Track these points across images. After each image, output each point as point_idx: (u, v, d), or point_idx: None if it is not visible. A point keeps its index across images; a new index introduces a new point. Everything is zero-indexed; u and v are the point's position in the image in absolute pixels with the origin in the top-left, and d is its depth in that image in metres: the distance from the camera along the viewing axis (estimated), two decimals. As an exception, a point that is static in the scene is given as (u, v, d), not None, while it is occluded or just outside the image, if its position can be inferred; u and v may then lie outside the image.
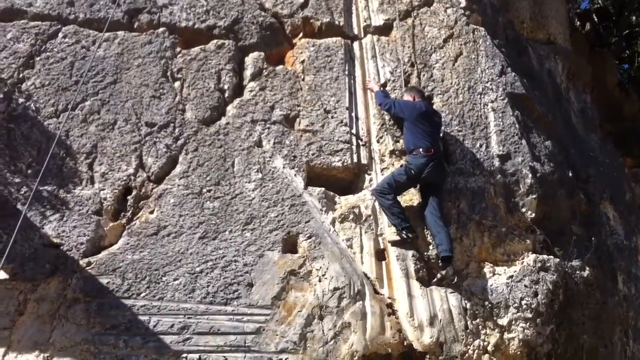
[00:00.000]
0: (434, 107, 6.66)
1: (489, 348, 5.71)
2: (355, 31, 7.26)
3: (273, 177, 6.08)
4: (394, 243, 5.92)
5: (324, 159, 6.31)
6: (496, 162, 6.55)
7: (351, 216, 6.03)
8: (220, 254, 5.63)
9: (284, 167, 6.16)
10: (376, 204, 6.11)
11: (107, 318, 5.21)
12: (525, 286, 5.97)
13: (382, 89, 6.69)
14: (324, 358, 5.32)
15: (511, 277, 6.02)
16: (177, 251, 5.60)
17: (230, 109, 6.43)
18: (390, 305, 5.70)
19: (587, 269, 6.58)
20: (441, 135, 6.38)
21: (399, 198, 6.04)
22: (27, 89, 6.09)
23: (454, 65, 7.07)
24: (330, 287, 5.59)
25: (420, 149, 6.01)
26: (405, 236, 5.85)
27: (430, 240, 6.01)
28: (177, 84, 6.42)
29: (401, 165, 6.16)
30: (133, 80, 6.33)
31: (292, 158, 6.23)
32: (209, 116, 6.33)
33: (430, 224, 5.93)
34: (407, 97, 6.47)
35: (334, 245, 5.82)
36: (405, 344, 5.55)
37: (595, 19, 11.58)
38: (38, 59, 6.27)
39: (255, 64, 6.73)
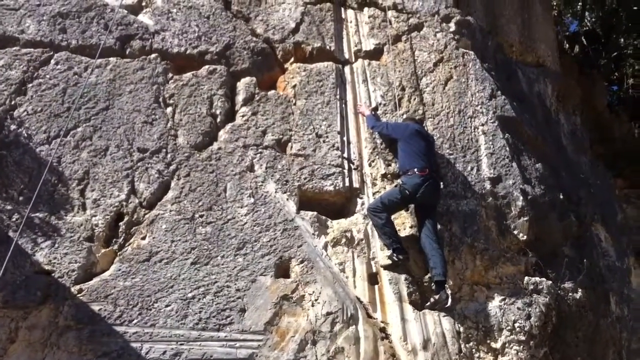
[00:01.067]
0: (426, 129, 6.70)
1: (483, 372, 5.71)
2: (347, 55, 7.32)
3: (265, 202, 6.09)
4: (386, 267, 5.92)
5: (316, 183, 6.32)
6: (487, 185, 6.59)
7: (343, 240, 6.04)
8: (213, 280, 5.61)
9: (276, 192, 6.16)
10: (368, 227, 6.13)
11: (99, 345, 5.17)
12: (518, 309, 5.98)
13: (373, 112, 6.73)
14: (317, 384, 5.30)
15: (504, 300, 6.03)
16: (169, 277, 5.58)
17: (222, 134, 6.44)
18: (383, 330, 5.69)
19: (580, 290, 6.60)
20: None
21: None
22: (19, 115, 6.09)
23: (444, 88, 7.12)
24: (323, 311, 5.57)
25: (415, 169, 6.02)
26: (395, 258, 5.85)
27: (423, 264, 6.02)
28: (169, 110, 6.44)
29: (396, 185, 6.17)
30: (125, 106, 6.35)
31: (284, 182, 6.24)
32: (201, 141, 6.34)
33: (425, 246, 5.93)
34: (400, 122, 6.54)
35: (327, 270, 5.81)
36: (398, 368, 5.55)
37: (584, 42, 11.71)
38: (30, 85, 6.27)
39: (247, 89, 6.76)
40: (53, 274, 5.46)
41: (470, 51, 7.47)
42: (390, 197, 6.05)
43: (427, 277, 5.97)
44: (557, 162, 7.70)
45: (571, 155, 8.43)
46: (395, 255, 5.86)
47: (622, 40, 12.25)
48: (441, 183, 6.25)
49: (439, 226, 6.15)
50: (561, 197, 7.10)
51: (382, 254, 6.01)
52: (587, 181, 8.22)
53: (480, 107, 7.05)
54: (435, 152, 6.51)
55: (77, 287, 5.42)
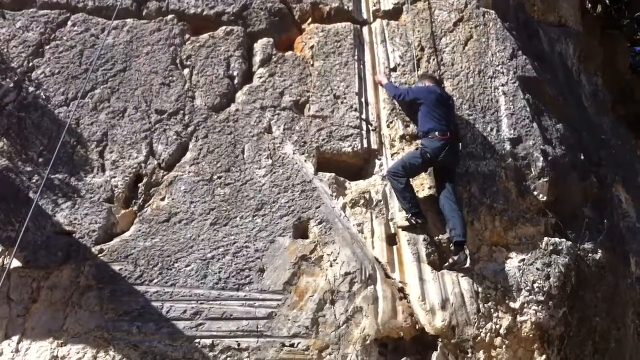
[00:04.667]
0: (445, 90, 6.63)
1: (501, 331, 5.71)
2: (365, 16, 7.21)
3: (283, 163, 6.08)
4: (404, 228, 5.91)
5: (333, 144, 6.30)
6: (507, 146, 6.52)
7: (362, 201, 6.03)
8: (232, 240, 5.65)
9: (294, 153, 6.15)
10: (386, 188, 6.11)
11: (120, 304, 5.25)
12: (537, 269, 5.96)
13: (390, 80, 6.64)
14: (336, 342, 5.34)
15: (523, 260, 6.01)
16: (189, 238, 5.62)
17: (240, 96, 6.42)
18: (401, 290, 5.71)
19: (599, 251, 6.55)
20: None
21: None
22: (37, 77, 6.11)
23: (464, 49, 7.02)
24: (341, 272, 5.60)
25: (436, 132, 5.98)
26: (414, 222, 5.85)
27: (441, 225, 6.01)
28: (186, 71, 6.42)
29: (416, 148, 6.14)
30: (142, 67, 6.33)
31: (302, 144, 6.22)
32: (218, 103, 6.32)
33: (444, 207, 5.90)
34: (421, 84, 6.43)
35: (345, 231, 5.82)
36: (417, 327, 5.57)
37: (607, 1, 11.45)
38: (47, 47, 6.28)
39: (264, 50, 6.71)
40: (74, 235, 5.53)
41: (491, 10, 7.32)
42: (411, 160, 6.02)
43: (445, 237, 5.95)
44: (578, 122, 7.60)
45: (592, 116, 8.30)
46: (413, 219, 5.85)
47: (645, -1, 11.97)
48: (460, 145, 6.21)
49: (459, 187, 6.12)
50: (582, 158, 7.01)
51: (400, 215, 6.00)
52: (608, 142, 8.10)
53: (501, 67, 6.95)
54: (454, 114, 6.43)
55: (98, 247, 5.48)
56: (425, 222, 5.92)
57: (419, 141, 6.24)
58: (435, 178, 6.16)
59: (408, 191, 5.92)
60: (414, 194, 5.97)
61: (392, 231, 5.97)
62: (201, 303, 5.33)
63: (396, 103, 6.52)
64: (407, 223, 5.90)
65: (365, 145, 6.37)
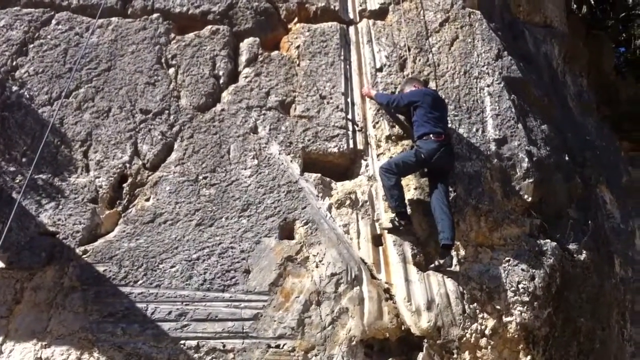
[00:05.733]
0: (432, 92, 6.64)
1: (487, 332, 5.72)
2: (351, 15, 7.21)
3: (269, 164, 6.06)
4: (389, 230, 5.91)
5: (319, 144, 6.28)
6: (492, 147, 6.53)
7: (348, 202, 6.02)
8: (217, 241, 5.62)
9: (279, 154, 6.13)
10: (372, 189, 6.11)
11: (105, 306, 5.22)
12: (522, 270, 5.97)
13: (377, 90, 6.61)
14: (322, 343, 5.33)
15: (508, 261, 6.02)
16: (174, 238, 5.59)
17: (226, 95, 6.39)
18: (387, 290, 5.71)
19: (584, 252, 6.58)
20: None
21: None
22: (21, 76, 6.06)
23: (450, 49, 7.02)
24: (327, 272, 5.59)
25: (431, 135, 5.96)
26: (397, 222, 5.84)
27: (427, 226, 6.01)
28: (171, 71, 6.39)
29: (412, 148, 6.15)
30: (127, 67, 6.30)
31: (288, 144, 6.21)
32: (204, 103, 6.30)
33: (435, 209, 5.87)
34: (409, 88, 6.39)
35: (331, 231, 5.81)
36: (402, 328, 5.58)
37: (592, 2, 11.52)
38: (31, 46, 6.23)
39: (250, 50, 6.69)
40: (57, 235, 5.49)
41: (477, 10, 7.33)
42: (405, 158, 6.01)
43: (430, 238, 5.96)
44: (563, 123, 7.63)
45: (577, 116, 8.35)
46: (397, 220, 5.85)
47: (630, 0, 12.05)
48: (454, 150, 6.22)
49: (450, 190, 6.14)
50: (567, 158, 7.04)
51: (386, 216, 6.00)
52: (593, 143, 8.15)
53: (486, 68, 6.96)
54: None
55: (82, 248, 5.45)
56: (410, 224, 5.91)
57: (405, 142, 6.25)
58: (429, 179, 6.14)
59: (397, 189, 5.89)
60: (402, 193, 5.95)
61: (378, 232, 5.97)
62: (186, 304, 5.31)
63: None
64: (390, 225, 5.89)
65: (351, 145, 6.36)
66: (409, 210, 5.95)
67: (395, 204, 5.86)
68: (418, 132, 6.06)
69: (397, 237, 5.87)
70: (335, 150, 6.30)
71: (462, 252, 5.99)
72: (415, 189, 6.18)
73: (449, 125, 6.44)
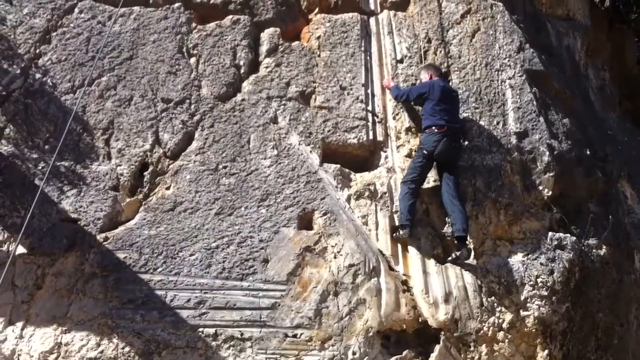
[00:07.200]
0: (451, 83, 6.60)
1: (504, 325, 5.72)
2: (372, 6, 7.18)
3: (289, 154, 6.08)
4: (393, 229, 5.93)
5: (339, 135, 6.29)
6: (513, 140, 6.50)
7: (366, 193, 6.02)
8: (236, 230, 5.65)
9: (299, 144, 6.14)
10: (391, 181, 6.13)
11: (124, 292, 5.27)
12: (541, 264, 5.96)
13: (397, 83, 6.60)
14: (338, 334, 5.35)
15: (527, 255, 6.00)
16: (193, 227, 5.63)
17: (246, 85, 6.40)
18: (405, 282, 5.72)
19: (604, 247, 6.54)
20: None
21: None
22: (44, 64, 6.11)
23: (471, 41, 6.98)
24: (345, 263, 5.60)
25: (434, 127, 5.96)
26: (398, 233, 5.84)
27: (445, 218, 6.01)
28: (192, 60, 6.41)
29: (418, 149, 6.15)
30: (149, 56, 6.32)
31: (308, 135, 6.21)
32: (224, 92, 6.31)
33: (446, 202, 5.90)
34: (424, 75, 6.39)
35: (350, 222, 5.82)
36: (420, 320, 5.58)
37: (615, -5, 11.39)
38: (54, 34, 6.27)
39: (271, 40, 6.69)
40: (79, 222, 5.54)
41: (499, 3, 7.28)
42: (415, 162, 6.02)
43: (449, 231, 5.95)
44: (585, 117, 7.57)
45: (599, 111, 8.27)
46: (400, 231, 5.84)
47: (654, -6, 11.89)
48: (463, 140, 6.18)
49: (464, 181, 6.11)
50: (588, 153, 6.99)
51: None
52: (614, 137, 8.07)
53: (508, 60, 6.92)
54: (458, 108, 6.38)
55: (103, 235, 5.50)
56: (409, 237, 5.83)
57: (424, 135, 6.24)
58: (438, 172, 6.14)
59: (406, 200, 5.85)
60: (412, 207, 5.86)
61: (397, 224, 5.96)
62: (205, 292, 5.35)
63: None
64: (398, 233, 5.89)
65: (370, 137, 6.36)
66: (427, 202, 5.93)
67: (402, 215, 5.85)
68: (423, 125, 6.10)
69: (415, 230, 5.86)
70: (355, 141, 6.30)
71: (479, 245, 5.97)
72: (435, 180, 6.16)
73: (470, 118, 6.42)
